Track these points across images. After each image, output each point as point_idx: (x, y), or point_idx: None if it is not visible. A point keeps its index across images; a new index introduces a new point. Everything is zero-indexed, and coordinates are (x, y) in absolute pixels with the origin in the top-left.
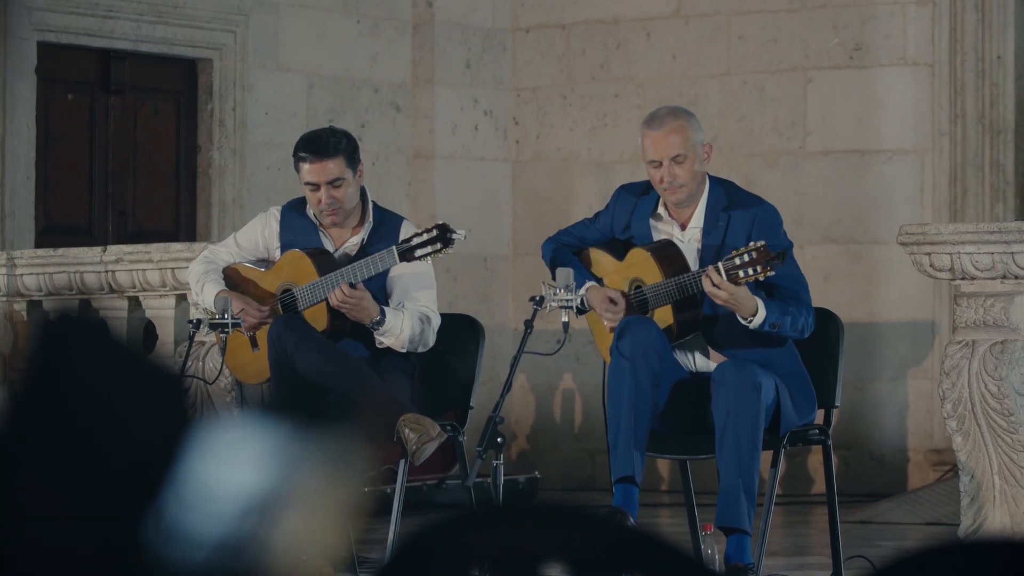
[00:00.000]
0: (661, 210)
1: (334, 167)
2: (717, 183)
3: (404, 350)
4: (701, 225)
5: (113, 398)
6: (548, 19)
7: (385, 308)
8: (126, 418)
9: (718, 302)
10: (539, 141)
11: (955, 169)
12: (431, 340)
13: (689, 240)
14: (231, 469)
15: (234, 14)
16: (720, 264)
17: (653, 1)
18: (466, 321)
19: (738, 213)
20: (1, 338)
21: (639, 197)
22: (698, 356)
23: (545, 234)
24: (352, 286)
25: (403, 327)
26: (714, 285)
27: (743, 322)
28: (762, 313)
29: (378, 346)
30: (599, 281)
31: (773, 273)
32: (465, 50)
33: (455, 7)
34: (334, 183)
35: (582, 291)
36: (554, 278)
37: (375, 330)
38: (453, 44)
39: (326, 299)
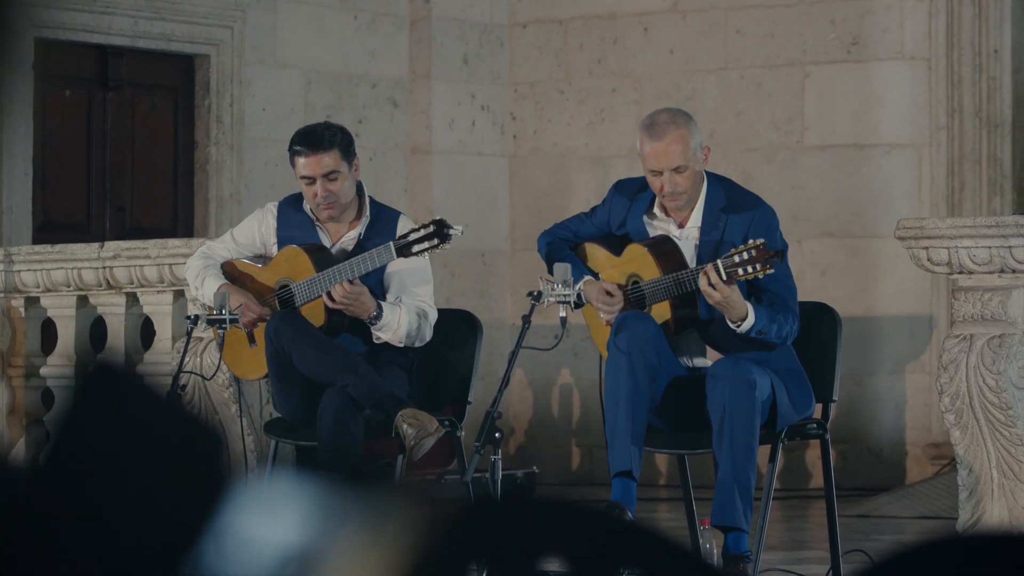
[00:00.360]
0: (657, 209)
1: (329, 160)
2: (715, 181)
3: (401, 345)
4: (699, 224)
5: (150, 450)
6: (545, 14)
7: (382, 303)
8: (163, 470)
9: (710, 302)
10: (536, 136)
11: (952, 163)
12: (428, 335)
13: (687, 237)
14: (270, 523)
15: (231, 10)
16: (719, 261)
17: None
18: (464, 316)
19: (736, 215)
20: None
21: (636, 194)
22: (695, 354)
23: (542, 229)
24: (350, 282)
25: (400, 322)
26: (710, 284)
27: (731, 326)
28: (751, 319)
29: (375, 341)
30: (595, 276)
31: (772, 271)
32: (462, 45)
33: (452, 2)
34: (329, 176)
35: (579, 285)
36: (551, 272)
37: (372, 325)
38: (450, 39)
39: (323, 295)
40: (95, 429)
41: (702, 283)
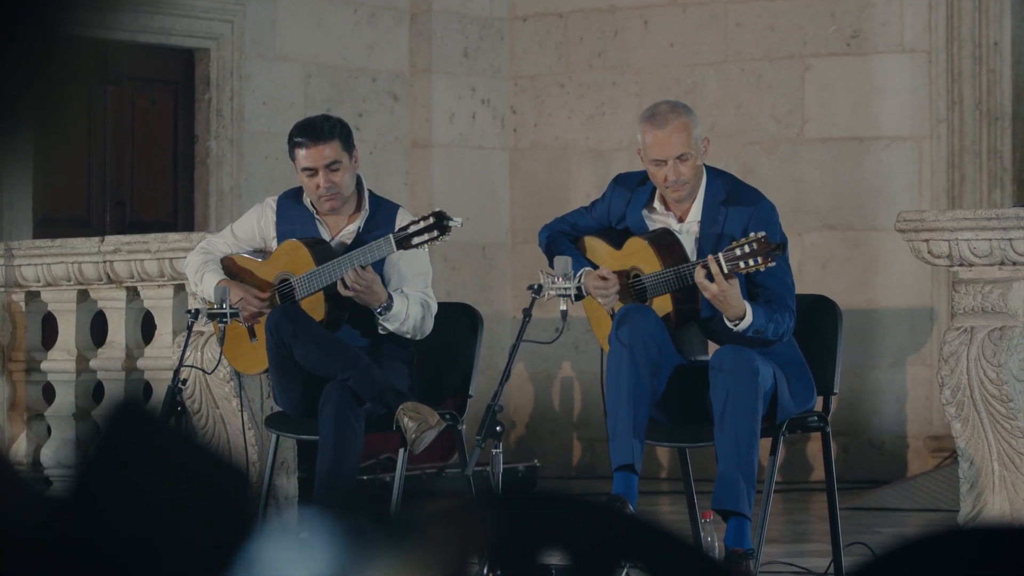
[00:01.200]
0: (657, 203)
1: (330, 151)
2: (715, 175)
3: (409, 336)
4: (699, 218)
5: (177, 489)
6: (545, 7)
7: (392, 293)
8: (189, 508)
9: (707, 296)
10: (537, 129)
11: (953, 156)
12: (429, 327)
13: (687, 231)
14: (297, 564)
15: (231, 4)
16: (720, 254)
17: None
18: (464, 310)
19: (736, 209)
20: (0, 329)
21: (636, 188)
22: (698, 351)
23: (543, 222)
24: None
25: (408, 313)
26: (707, 277)
27: (728, 324)
28: (749, 318)
29: (380, 332)
30: (595, 268)
31: (773, 264)
32: (463, 39)
33: None
34: (331, 166)
35: (579, 277)
36: (552, 265)
37: (381, 315)
38: (451, 33)
39: (323, 288)
40: (120, 469)
41: (698, 276)
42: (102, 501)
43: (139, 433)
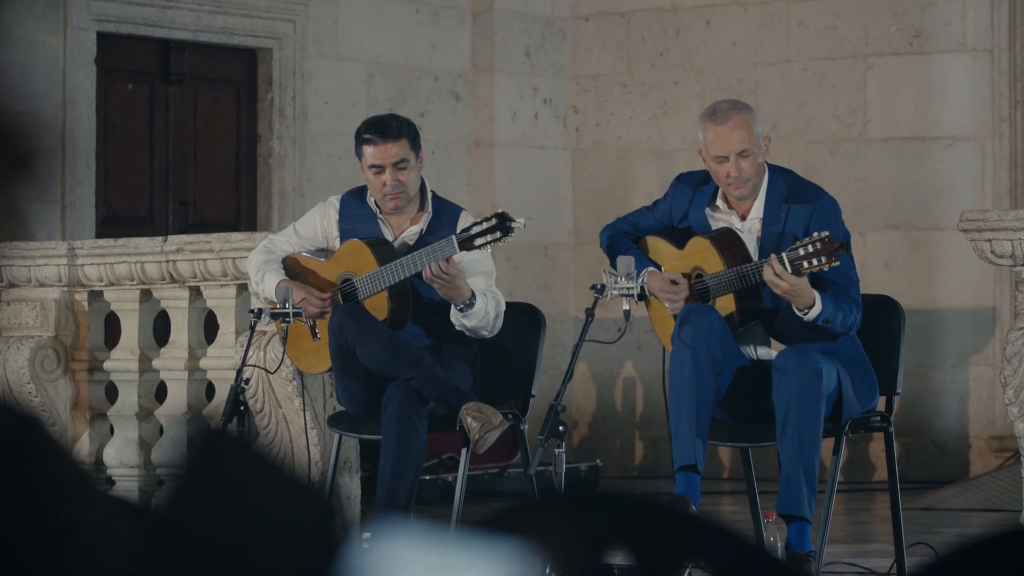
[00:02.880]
0: (719, 201)
1: (399, 149)
2: (776, 172)
3: (481, 334)
4: (761, 216)
5: (263, 516)
6: (608, 7)
7: (475, 290)
8: (276, 537)
9: (777, 292)
10: (599, 129)
11: (1016, 155)
12: (499, 326)
13: (749, 230)
14: None
15: (294, 3)
16: (784, 254)
17: None
18: (527, 310)
19: (797, 206)
20: (63, 328)
21: (697, 187)
22: (759, 344)
23: (605, 222)
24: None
25: (488, 310)
26: (775, 275)
27: (798, 313)
28: (818, 307)
29: (457, 327)
30: (658, 268)
31: (837, 264)
32: (525, 38)
33: None
34: (399, 164)
35: (642, 277)
36: (613, 266)
37: (463, 312)
38: (513, 32)
39: (387, 288)
40: (209, 498)
41: (767, 274)
42: (191, 528)
43: (228, 461)
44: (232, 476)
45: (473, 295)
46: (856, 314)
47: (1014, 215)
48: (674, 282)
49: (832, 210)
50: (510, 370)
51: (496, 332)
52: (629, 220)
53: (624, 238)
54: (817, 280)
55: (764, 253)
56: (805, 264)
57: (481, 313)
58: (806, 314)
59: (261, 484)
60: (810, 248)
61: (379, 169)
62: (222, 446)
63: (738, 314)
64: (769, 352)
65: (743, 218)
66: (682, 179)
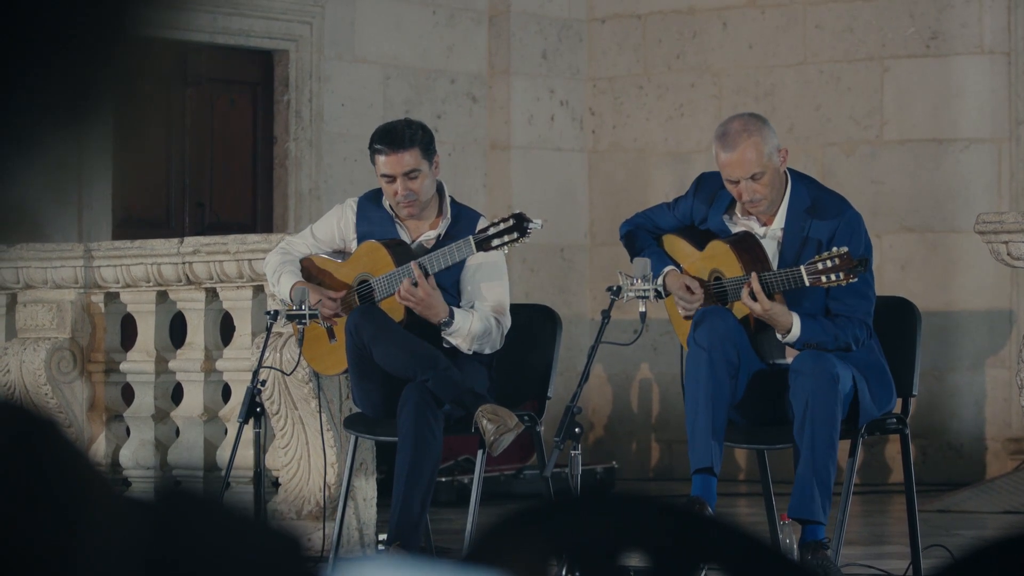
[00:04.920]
0: (739, 208)
1: (410, 159)
2: (799, 181)
3: (470, 351)
4: (783, 225)
5: (232, 568)
6: (624, 9)
7: (455, 309)
8: None
9: (753, 314)
10: (615, 131)
11: None
12: (499, 343)
13: (771, 236)
14: None
15: (310, 5)
16: (802, 267)
17: None
18: (543, 311)
19: (821, 221)
20: (79, 330)
21: (718, 190)
22: (776, 355)
23: (621, 224)
24: (424, 275)
25: (471, 329)
26: (751, 295)
27: (778, 336)
28: (795, 332)
29: (444, 345)
30: (678, 266)
31: (855, 280)
32: (541, 40)
33: None
34: (410, 174)
35: (662, 275)
36: (632, 255)
37: (443, 330)
38: (529, 34)
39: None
40: (175, 555)
41: (743, 294)
42: None
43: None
44: (197, 535)
45: (451, 313)
46: (860, 332)
47: None
48: (690, 290)
49: (856, 226)
50: (526, 372)
51: (495, 349)
52: (649, 216)
53: (643, 233)
54: (827, 293)
55: (784, 259)
56: (823, 279)
57: (464, 331)
58: (783, 337)
59: (226, 538)
60: (828, 263)
61: (390, 179)
62: (185, 505)
63: (754, 319)
64: (786, 361)
65: (765, 224)
66: (703, 180)
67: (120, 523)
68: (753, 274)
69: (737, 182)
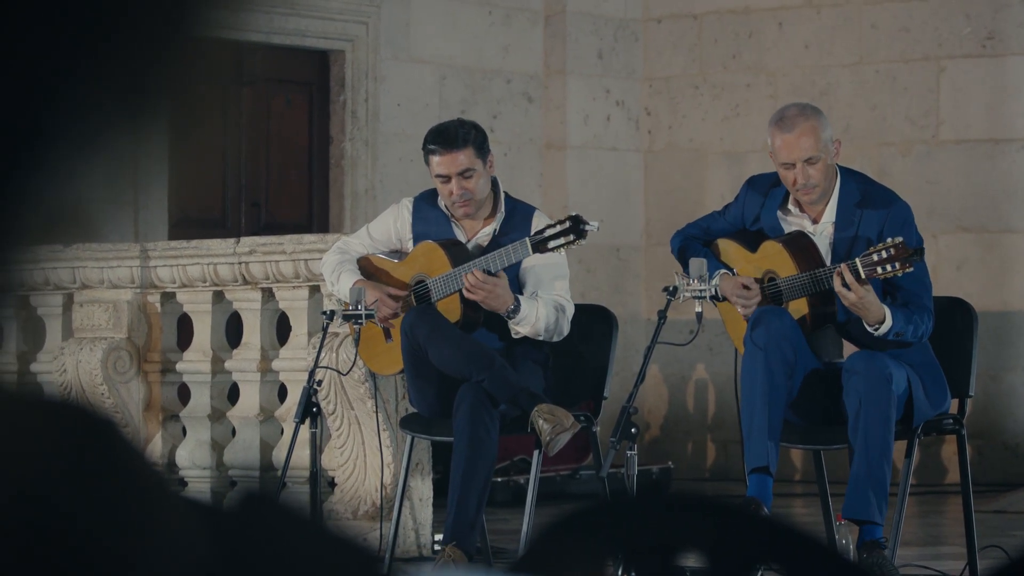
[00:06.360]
0: (791, 204)
1: (464, 158)
2: (849, 176)
3: (540, 339)
4: (833, 220)
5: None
6: (680, 9)
7: (520, 297)
8: None
9: (846, 304)
10: (671, 131)
11: None
12: (566, 329)
13: (821, 233)
14: None
15: (366, 5)
16: (857, 260)
17: None
18: (599, 311)
19: (871, 211)
20: (135, 330)
21: (769, 189)
22: (834, 355)
23: (677, 225)
24: (490, 273)
25: (538, 315)
26: (843, 285)
27: (868, 328)
28: (889, 321)
29: (513, 336)
30: (731, 270)
31: (911, 270)
32: (597, 40)
33: None
34: (464, 174)
35: (715, 279)
36: (685, 269)
37: (510, 319)
38: (585, 34)
39: (459, 290)
40: (245, 560)
41: (836, 284)
42: None
43: (268, 524)
44: (268, 538)
45: (517, 301)
46: (928, 322)
47: None
48: (746, 287)
49: (906, 216)
50: (582, 372)
51: (562, 335)
52: (699, 225)
53: (695, 243)
54: (889, 287)
55: (836, 257)
56: (879, 270)
57: (531, 318)
58: (877, 329)
59: (299, 543)
60: (884, 254)
61: (445, 179)
62: (256, 509)
63: (811, 317)
64: (842, 356)
65: (815, 221)
66: (753, 182)
67: (180, 525)
68: (843, 264)
69: (793, 165)
